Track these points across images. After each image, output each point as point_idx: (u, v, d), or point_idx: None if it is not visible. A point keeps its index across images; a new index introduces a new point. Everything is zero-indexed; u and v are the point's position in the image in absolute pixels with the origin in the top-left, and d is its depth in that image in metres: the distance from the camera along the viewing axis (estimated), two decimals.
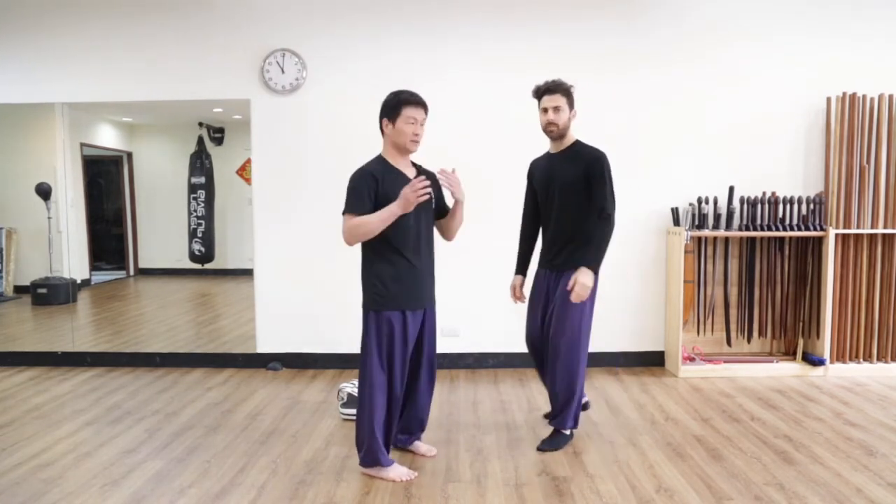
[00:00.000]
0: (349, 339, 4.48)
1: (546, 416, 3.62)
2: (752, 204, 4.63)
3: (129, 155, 5.70)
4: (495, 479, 2.94)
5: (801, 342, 4.75)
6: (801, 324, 4.78)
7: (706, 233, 4.60)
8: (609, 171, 3.19)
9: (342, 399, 3.76)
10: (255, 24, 4.70)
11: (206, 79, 4.74)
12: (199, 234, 5.52)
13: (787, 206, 4.64)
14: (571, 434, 3.37)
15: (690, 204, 4.71)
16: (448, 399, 4.13)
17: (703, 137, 4.74)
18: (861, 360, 4.70)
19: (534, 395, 4.17)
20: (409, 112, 2.90)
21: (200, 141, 5.44)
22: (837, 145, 4.66)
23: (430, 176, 3.06)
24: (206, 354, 4.92)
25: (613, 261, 4.69)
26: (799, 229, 4.58)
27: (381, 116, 2.97)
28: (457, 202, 3.07)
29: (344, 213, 2.88)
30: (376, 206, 2.86)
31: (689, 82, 4.70)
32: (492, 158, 4.66)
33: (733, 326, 4.82)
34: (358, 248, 3.00)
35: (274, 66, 4.69)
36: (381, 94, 3.00)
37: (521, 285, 3.51)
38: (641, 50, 4.69)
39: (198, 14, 4.71)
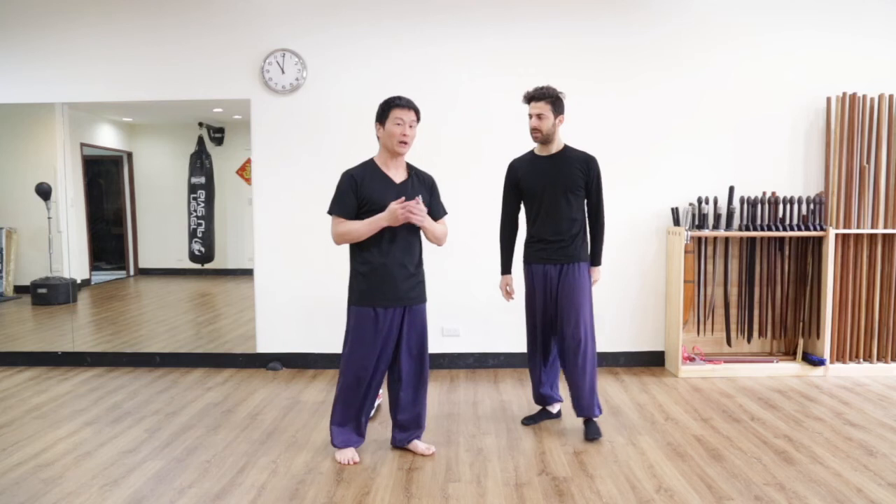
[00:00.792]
0: None
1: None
2: (752, 204, 4.63)
3: (129, 155, 5.69)
4: (495, 479, 2.94)
5: (801, 342, 4.75)
6: (801, 324, 4.78)
7: (706, 233, 4.60)
8: None
9: None
10: (256, 24, 4.70)
11: (207, 79, 4.74)
12: (199, 234, 5.51)
13: (787, 206, 4.65)
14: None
15: (690, 204, 4.71)
16: (448, 399, 4.13)
17: (703, 137, 4.74)
18: (861, 360, 4.71)
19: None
20: (396, 113, 2.99)
21: (200, 141, 5.43)
22: (837, 145, 4.66)
23: (422, 179, 3.16)
24: (206, 354, 4.92)
25: (614, 261, 4.71)
26: (799, 229, 4.58)
27: (375, 121, 3.08)
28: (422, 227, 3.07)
29: (329, 213, 3.05)
30: (360, 206, 2.99)
31: (689, 82, 4.70)
32: (492, 158, 4.65)
33: (733, 326, 4.82)
34: None
35: (274, 66, 4.69)
36: (381, 94, 3.02)
37: (511, 283, 3.68)
38: (642, 49, 4.69)
39: (198, 14, 4.72)
